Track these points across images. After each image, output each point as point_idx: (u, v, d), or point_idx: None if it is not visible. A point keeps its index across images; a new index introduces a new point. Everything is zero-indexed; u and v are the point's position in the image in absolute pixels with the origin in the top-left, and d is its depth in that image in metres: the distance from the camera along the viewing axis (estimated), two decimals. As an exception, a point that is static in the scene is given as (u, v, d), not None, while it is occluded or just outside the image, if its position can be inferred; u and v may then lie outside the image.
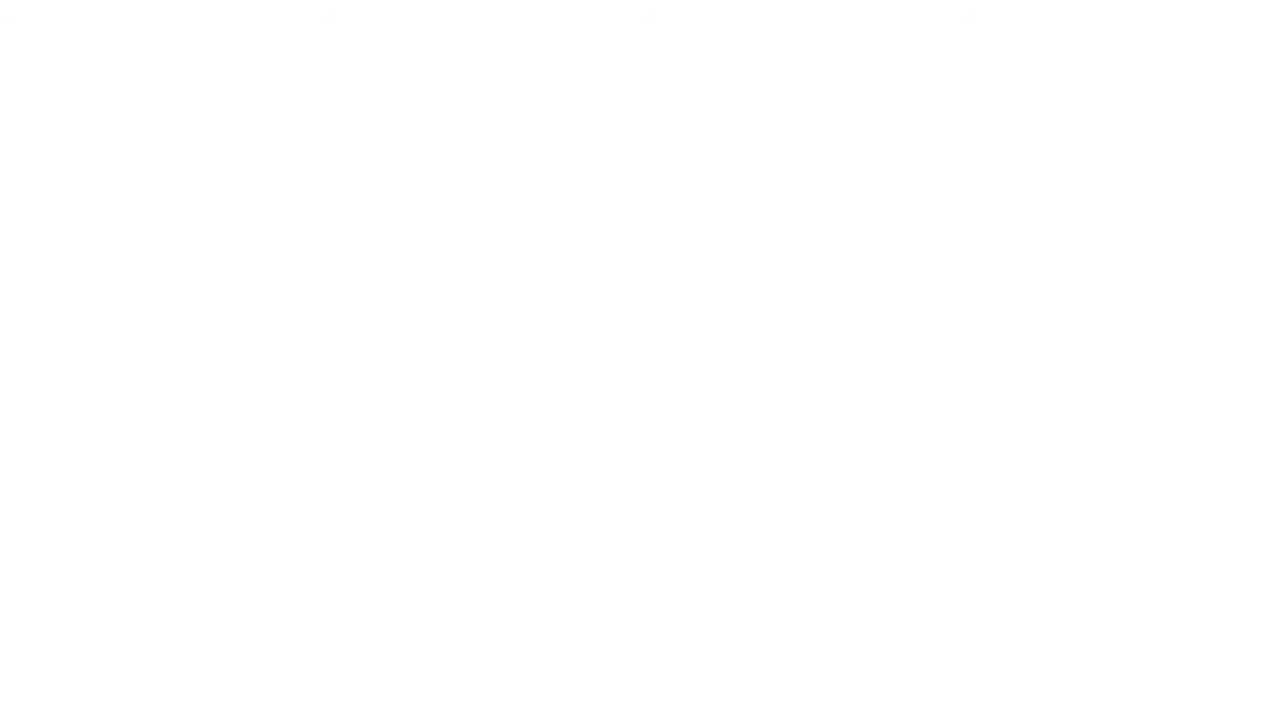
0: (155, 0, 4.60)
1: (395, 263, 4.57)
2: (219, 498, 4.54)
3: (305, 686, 4.51)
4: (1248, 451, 4.46)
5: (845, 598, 4.50)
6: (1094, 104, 4.52)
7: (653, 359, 4.55)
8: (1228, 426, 4.47)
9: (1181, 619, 4.45)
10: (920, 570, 4.50)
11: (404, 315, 4.57)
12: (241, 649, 4.52)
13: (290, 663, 4.51)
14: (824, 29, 4.56)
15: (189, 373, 4.56)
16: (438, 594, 4.53)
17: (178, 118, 4.59)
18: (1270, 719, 4.40)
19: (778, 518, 4.52)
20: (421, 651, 4.51)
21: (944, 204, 4.54)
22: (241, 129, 4.59)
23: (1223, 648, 4.43)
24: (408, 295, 4.57)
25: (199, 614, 4.53)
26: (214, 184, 4.59)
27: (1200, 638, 4.44)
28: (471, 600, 4.53)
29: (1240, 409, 4.47)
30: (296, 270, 4.57)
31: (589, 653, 4.51)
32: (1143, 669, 4.44)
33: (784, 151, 4.56)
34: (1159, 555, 4.47)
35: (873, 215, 4.55)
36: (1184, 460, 4.47)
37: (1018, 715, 4.44)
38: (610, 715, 4.49)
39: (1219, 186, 4.51)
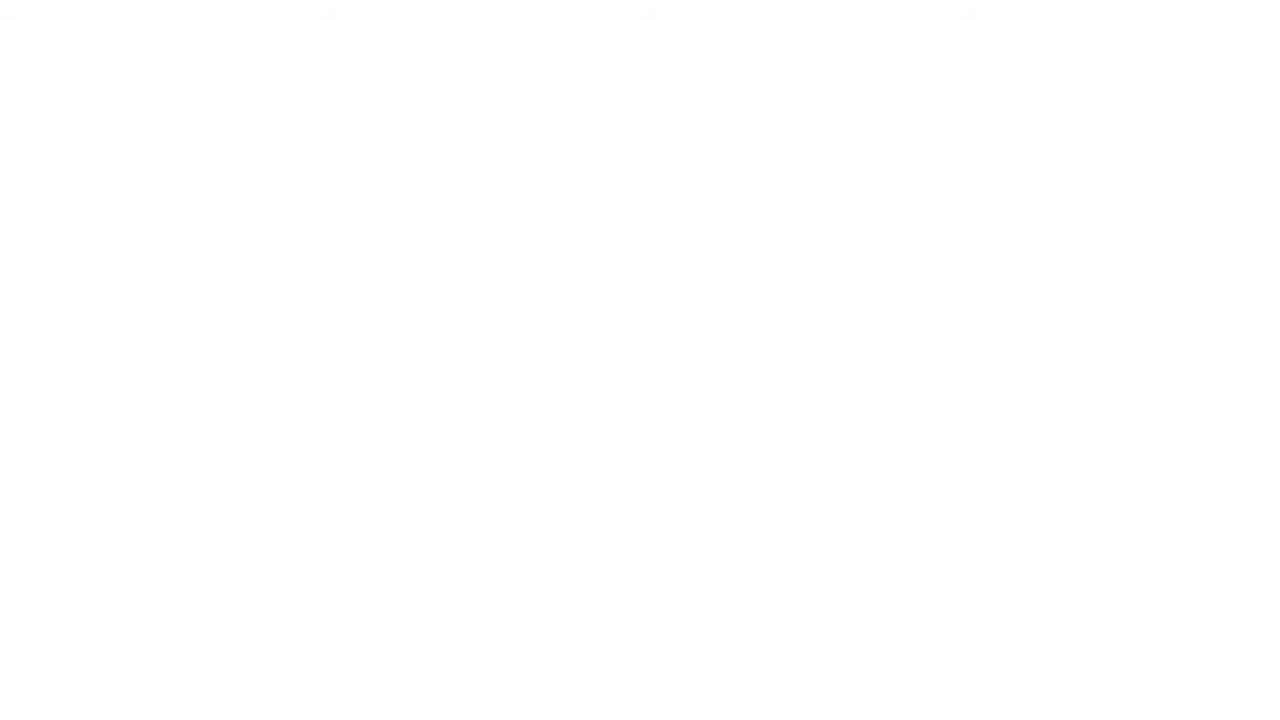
0: (155, 0, 4.60)
1: (395, 262, 4.57)
2: (219, 498, 4.54)
3: (305, 687, 4.51)
4: (1248, 452, 4.46)
5: (845, 598, 4.50)
6: (1094, 104, 4.52)
7: (653, 359, 4.55)
8: (1228, 427, 4.47)
9: (1181, 619, 4.45)
10: (920, 570, 4.50)
11: (404, 315, 4.57)
12: (241, 649, 4.52)
13: (290, 663, 4.51)
14: (824, 29, 4.56)
15: (189, 373, 4.56)
16: (438, 594, 4.53)
17: (178, 118, 4.59)
18: (1271, 719, 4.40)
19: (777, 518, 4.52)
20: (421, 652, 4.51)
21: (944, 204, 4.54)
22: (242, 129, 4.59)
23: (1223, 648, 4.44)
24: (408, 295, 4.57)
25: (199, 614, 4.53)
26: (214, 184, 4.59)
27: (1200, 638, 4.45)
28: (471, 600, 4.53)
29: (1240, 409, 4.47)
30: (297, 270, 4.57)
31: (589, 653, 4.51)
32: (1143, 669, 4.44)
33: (784, 151, 4.56)
34: (1159, 555, 4.47)
35: (873, 215, 4.55)
36: (1184, 460, 4.47)
37: (1018, 715, 4.45)
38: (610, 715, 4.49)
39: (1219, 186, 4.51)
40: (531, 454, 4.55)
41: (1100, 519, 4.48)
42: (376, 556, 4.54)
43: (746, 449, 4.53)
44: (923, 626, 4.49)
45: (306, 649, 4.52)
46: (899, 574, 4.50)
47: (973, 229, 4.54)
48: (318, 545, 4.54)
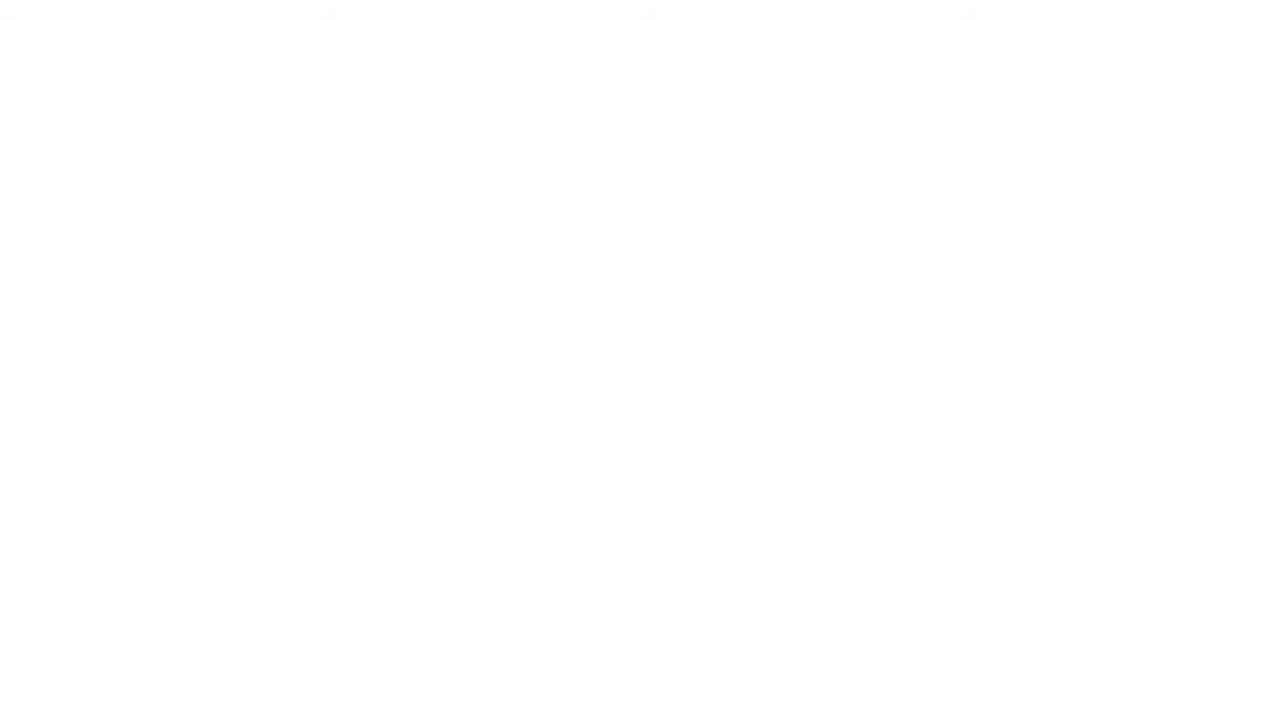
0: (155, 0, 4.60)
1: (395, 263, 4.57)
2: (219, 498, 4.54)
3: (305, 687, 4.51)
4: (1248, 452, 4.46)
5: (845, 598, 4.50)
6: (1094, 104, 4.52)
7: (653, 359, 4.55)
8: (1228, 427, 4.47)
9: (1181, 619, 4.45)
10: (920, 570, 4.50)
11: (404, 315, 4.57)
12: (241, 649, 4.52)
13: (290, 663, 4.51)
14: (824, 29, 4.56)
15: (189, 373, 4.56)
16: (438, 594, 4.53)
17: (178, 118, 4.59)
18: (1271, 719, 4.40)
19: (777, 518, 4.52)
20: (421, 652, 4.51)
21: (944, 204, 4.54)
22: (242, 129, 4.59)
23: (1223, 648, 4.44)
24: (408, 295, 4.57)
25: (199, 614, 4.53)
26: (214, 184, 4.59)
27: (1200, 638, 4.45)
28: (471, 600, 4.53)
29: (1240, 409, 4.47)
30: (297, 270, 4.57)
31: (589, 653, 4.51)
32: (1143, 669, 4.44)
33: (784, 151, 4.56)
34: (1159, 555, 4.47)
35: (873, 215, 4.55)
36: (1184, 460, 4.47)
37: (1018, 715, 4.45)
38: (610, 715, 4.49)
39: (1219, 186, 4.51)
40: (531, 454, 4.55)
41: (1100, 519, 4.49)
42: (376, 557, 4.54)
43: (746, 449, 4.53)
44: (923, 627, 4.49)
45: (306, 649, 4.52)
46: (899, 574, 4.50)
47: (973, 229, 4.54)
48: (318, 545, 4.54)
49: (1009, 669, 4.46)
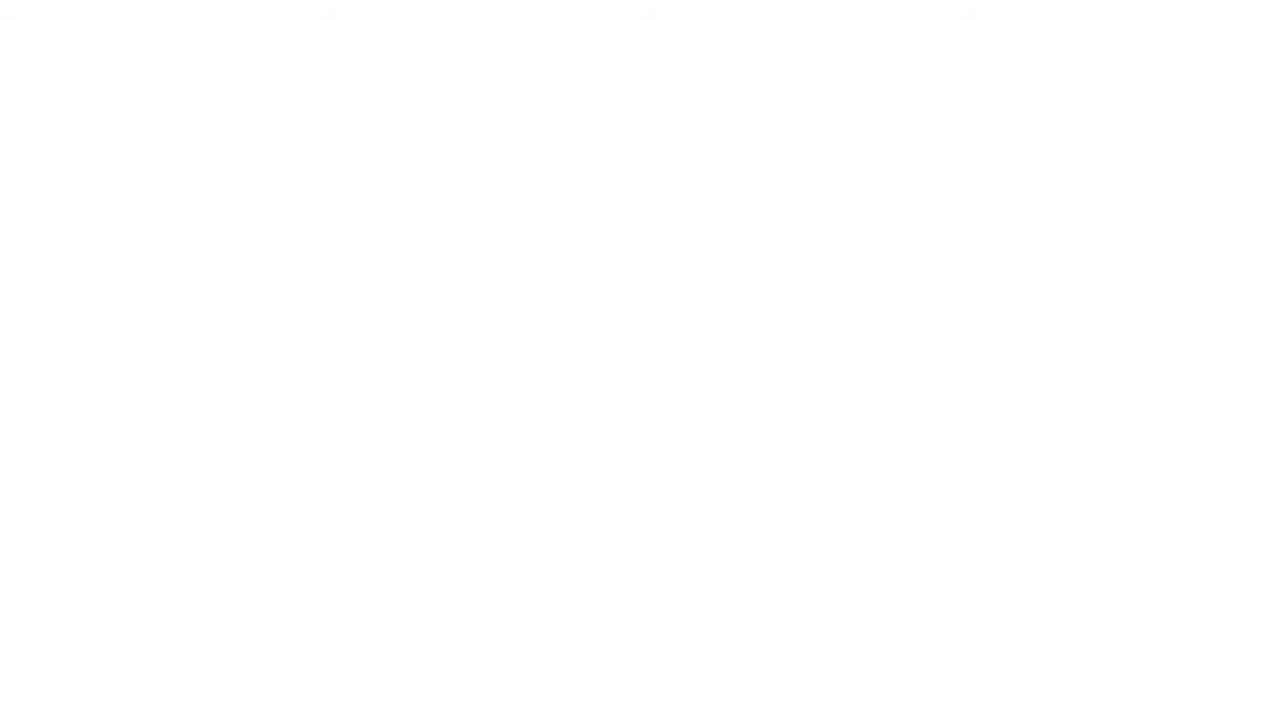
0: (155, 0, 4.60)
1: (395, 263, 4.57)
2: (219, 498, 4.54)
3: (305, 687, 4.51)
4: (1248, 452, 4.46)
5: (845, 598, 4.50)
6: (1094, 104, 4.53)
7: (653, 359, 4.55)
8: (1228, 427, 4.47)
9: (1181, 619, 4.46)
10: (920, 570, 4.50)
11: (404, 315, 4.57)
12: (241, 649, 4.52)
13: (290, 663, 4.51)
14: (824, 29, 4.56)
15: (189, 373, 4.56)
16: (438, 594, 4.53)
17: (178, 118, 4.59)
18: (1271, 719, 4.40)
19: (777, 518, 4.52)
20: (421, 652, 4.51)
21: (944, 204, 4.54)
22: (242, 129, 4.59)
23: (1223, 648, 4.44)
24: (408, 295, 4.57)
25: (199, 614, 4.53)
26: (214, 184, 4.59)
27: (1200, 638, 4.45)
28: (471, 600, 4.53)
29: (1240, 409, 4.47)
30: (297, 270, 4.57)
31: (589, 653, 4.51)
32: (1143, 669, 4.44)
33: (784, 151, 4.56)
34: (1159, 555, 4.47)
35: (873, 215, 4.55)
36: (1184, 460, 4.48)
37: (1017, 715, 4.45)
38: (610, 715, 4.49)
39: (1219, 186, 4.51)
40: (531, 454, 4.55)
41: (1100, 519, 4.49)
42: (376, 557, 4.54)
43: (746, 449, 4.54)
44: (923, 627, 4.49)
45: (306, 649, 4.52)
46: (899, 574, 4.50)
47: (973, 229, 4.54)
48: (318, 545, 4.54)
49: (1009, 669, 4.46)
